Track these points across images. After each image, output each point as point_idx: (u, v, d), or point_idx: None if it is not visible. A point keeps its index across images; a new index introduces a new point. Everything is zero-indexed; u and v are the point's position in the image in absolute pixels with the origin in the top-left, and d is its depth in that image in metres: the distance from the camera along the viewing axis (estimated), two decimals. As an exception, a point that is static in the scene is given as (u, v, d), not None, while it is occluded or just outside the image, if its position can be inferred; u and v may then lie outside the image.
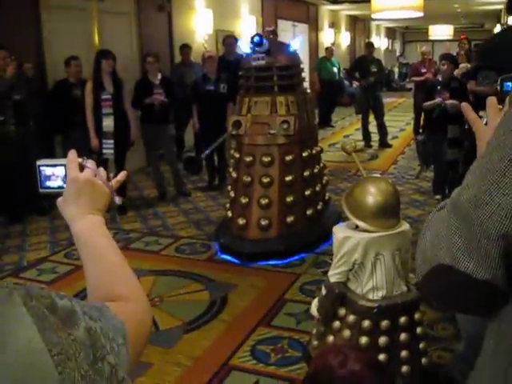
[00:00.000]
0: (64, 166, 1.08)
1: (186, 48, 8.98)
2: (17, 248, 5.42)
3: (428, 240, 0.92)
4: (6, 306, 0.62)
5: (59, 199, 1.06)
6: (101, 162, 6.12)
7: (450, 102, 5.95)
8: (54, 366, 0.61)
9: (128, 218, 6.25)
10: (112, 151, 6.12)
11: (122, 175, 1.16)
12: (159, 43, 8.93)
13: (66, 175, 1.07)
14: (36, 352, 0.61)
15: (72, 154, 1.06)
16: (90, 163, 1.07)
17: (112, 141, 6.09)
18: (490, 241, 0.81)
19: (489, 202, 0.81)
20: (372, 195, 2.63)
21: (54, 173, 1.10)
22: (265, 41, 4.86)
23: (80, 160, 1.06)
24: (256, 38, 4.82)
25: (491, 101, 1.05)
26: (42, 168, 1.11)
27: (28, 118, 6.10)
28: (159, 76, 6.81)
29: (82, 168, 1.06)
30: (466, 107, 1.11)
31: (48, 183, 1.11)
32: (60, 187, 1.09)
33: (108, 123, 6.08)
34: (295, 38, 5.63)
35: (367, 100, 10.11)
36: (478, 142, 1.05)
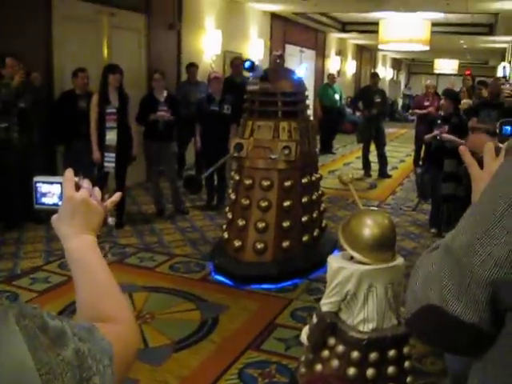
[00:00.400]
0: (60, 183, 1.09)
1: (192, 67, 9.06)
2: (11, 255, 5.42)
3: (419, 280, 0.96)
4: (1, 324, 0.65)
5: (54, 216, 1.08)
6: (102, 175, 6.16)
7: (447, 136, 6.01)
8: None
9: (125, 232, 6.26)
10: (113, 165, 6.15)
11: (116, 195, 1.18)
12: (167, 61, 9.03)
13: (61, 193, 1.08)
14: (25, 370, 0.63)
15: (69, 172, 1.08)
16: (86, 183, 1.09)
17: (114, 154, 6.12)
18: (479, 286, 0.85)
19: (480, 250, 0.84)
20: (369, 228, 2.66)
21: (50, 190, 1.11)
22: (258, 67, 4.93)
23: (76, 179, 1.08)
24: (247, 64, 4.90)
25: (488, 146, 1.08)
26: (38, 184, 1.12)
27: (32, 126, 6.14)
28: (165, 93, 6.88)
29: (77, 187, 1.07)
30: (463, 150, 1.13)
31: (43, 200, 1.12)
32: (55, 204, 1.10)
33: (111, 137, 6.12)
34: (300, 66, 5.71)
35: (369, 130, 10.18)
36: (473, 185, 1.08)
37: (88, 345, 0.75)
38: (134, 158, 6.55)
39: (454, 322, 0.88)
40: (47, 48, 7.02)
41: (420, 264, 0.99)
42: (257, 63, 5.10)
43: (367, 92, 10.74)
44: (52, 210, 1.10)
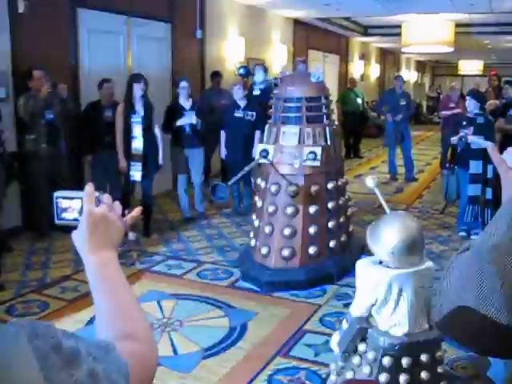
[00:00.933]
0: (81, 199, 1.08)
1: (217, 76, 9.11)
2: (41, 265, 5.49)
3: (451, 281, 0.94)
4: (13, 345, 0.65)
5: (74, 232, 1.07)
6: (128, 184, 6.21)
7: (473, 138, 5.94)
8: None
9: (152, 240, 6.30)
10: (140, 173, 6.19)
11: (136, 210, 1.17)
12: (191, 69, 9.08)
13: (82, 208, 1.08)
14: None
15: (89, 186, 1.07)
16: (106, 197, 1.08)
17: (140, 163, 6.16)
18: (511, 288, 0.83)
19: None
20: (398, 231, 2.63)
21: (70, 205, 1.11)
22: (258, 72, 4.95)
23: (96, 194, 1.07)
24: (241, 70, 4.95)
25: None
26: (58, 200, 1.12)
27: (59, 137, 6.22)
28: (190, 101, 6.93)
29: (98, 202, 1.07)
30: (491, 149, 1.12)
31: (64, 215, 1.12)
32: (75, 219, 1.10)
33: (137, 146, 6.16)
34: (316, 69, 5.72)
35: (395, 134, 10.11)
36: (503, 184, 1.06)
37: (103, 365, 0.75)
38: (161, 167, 6.57)
39: (489, 324, 0.87)
40: (73, 60, 7.11)
41: (451, 265, 0.97)
42: (255, 67, 5.14)
43: (392, 95, 10.67)
44: (73, 225, 1.10)
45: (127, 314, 1.00)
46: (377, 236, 2.68)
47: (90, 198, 1.06)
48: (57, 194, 1.13)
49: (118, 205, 1.11)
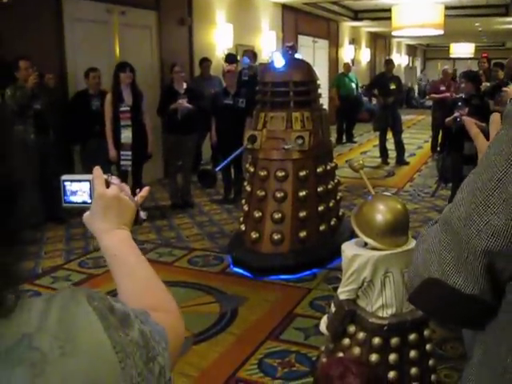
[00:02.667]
0: (89, 181, 1.09)
1: (205, 61, 9.08)
2: (33, 255, 5.48)
3: (420, 254, 0.95)
4: (74, 306, 0.68)
5: (85, 214, 1.09)
6: (119, 173, 6.20)
7: (466, 118, 5.94)
8: (118, 361, 0.67)
9: (143, 228, 6.29)
10: (130, 163, 6.20)
11: (145, 190, 1.20)
12: (180, 56, 9.03)
13: (91, 191, 1.09)
14: (103, 348, 0.67)
15: (97, 170, 1.09)
16: (115, 179, 1.10)
17: (130, 152, 6.18)
18: (476, 257, 0.84)
19: (477, 220, 0.83)
20: (381, 213, 2.64)
21: (79, 188, 1.11)
22: (246, 59, 4.96)
23: (105, 176, 1.09)
24: (230, 57, 4.96)
25: (494, 117, 1.05)
26: (66, 183, 1.12)
27: (48, 127, 6.19)
28: (184, 86, 6.95)
29: (107, 184, 1.08)
30: (468, 122, 1.13)
31: (72, 198, 1.12)
32: (84, 202, 1.10)
33: (126, 135, 6.16)
34: (275, 52, 5.70)
35: (386, 118, 10.11)
36: (479, 155, 1.05)
37: (148, 327, 0.78)
38: (150, 156, 6.59)
39: (456, 295, 0.87)
40: (59, 49, 7.07)
41: (421, 239, 0.98)
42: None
43: (382, 79, 10.66)
44: (81, 208, 1.11)
45: (151, 288, 1.02)
46: (361, 218, 2.69)
47: (101, 181, 1.08)
48: (64, 177, 1.13)
49: (127, 186, 1.13)
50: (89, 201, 1.09)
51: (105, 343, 0.67)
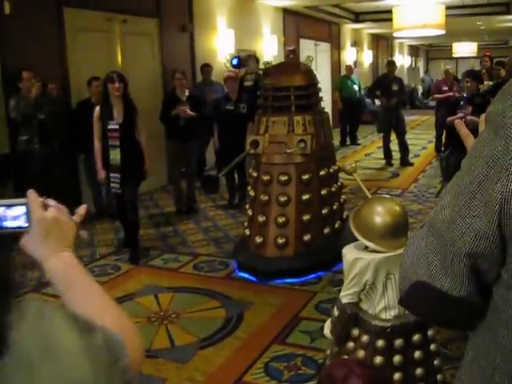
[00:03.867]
0: (24, 205, 1.03)
1: (207, 67, 9.10)
2: (39, 264, 5.50)
3: (409, 257, 0.96)
4: (48, 312, 0.72)
5: (24, 239, 1.04)
6: (108, 195, 6.01)
7: (470, 118, 5.95)
8: (89, 364, 0.71)
9: (148, 235, 6.33)
10: (118, 186, 5.44)
11: (83, 208, 1.14)
12: (181, 63, 9.06)
13: (27, 215, 1.03)
14: (77, 351, 0.70)
15: (32, 193, 1.04)
16: (51, 201, 1.07)
17: (118, 175, 5.39)
18: (461, 260, 0.85)
19: (460, 223, 0.84)
20: (380, 216, 2.65)
21: (11, 213, 1.04)
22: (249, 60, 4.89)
23: (41, 199, 1.04)
24: (234, 61, 4.90)
25: (484, 117, 1.03)
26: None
27: (52, 137, 6.23)
28: (186, 93, 6.97)
29: (45, 206, 1.04)
30: (458, 123, 1.13)
31: (6, 223, 1.03)
32: (19, 227, 1.04)
33: (114, 156, 5.38)
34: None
35: (389, 119, 10.10)
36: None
37: (109, 335, 0.80)
38: (145, 177, 5.75)
39: (444, 298, 0.89)
40: (61, 59, 7.11)
41: (410, 242, 0.99)
42: (245, 58, 5.09)
43: (384, 81, 10.66)
44: (14, 233, 1.04)
45: (104, 308, 1.00)
46: (360, 221, 2.71)
47: (37, 204, 1.04)
48: None
49: (63, 207, 1.09)
50: (25, 225, 1.03)
51: (78, 347, 0.70)
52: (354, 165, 3.33)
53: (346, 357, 2.84)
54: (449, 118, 6.38)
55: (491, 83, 8.81)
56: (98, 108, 5.48)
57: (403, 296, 0.97)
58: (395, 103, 10.06)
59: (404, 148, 10.22)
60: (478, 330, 0.93)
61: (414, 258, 0.94)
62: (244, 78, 8.06)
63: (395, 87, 10.16)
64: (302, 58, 5.60)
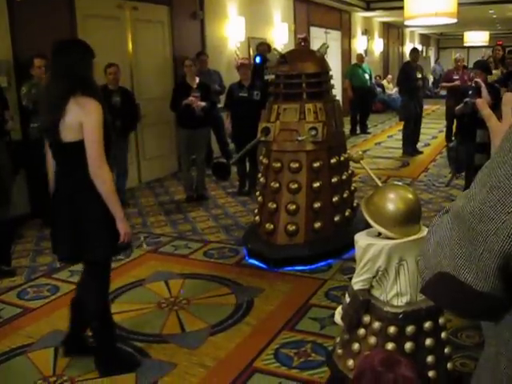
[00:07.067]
0: None
1: (201, 55, 8.73)
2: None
3: (432, 246, 0.92)
4: None
5: None
6: None
7: (478, 99, 5.90)
8: None
9: (159, 221, 6.35)
10: None
11: None
12: (192, 50, 9.04)
13: None
14: None
15: None
16: None
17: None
18: (492, 256, 0.81)
19: (494, 218, 0.80)
20: (393, 203, 2.65)
21: None
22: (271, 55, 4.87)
23: None
24: (257, 59, 4.88)
25: (507, 97, 1.00)
26: None
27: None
28: (197, 80, 6.95)
29: None
30: (480, 103, 1.07)
31: None
32: None
33: None
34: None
35: (414, 106, 9.96)
36: (491, 138, 1.01)
37: None
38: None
39: (468, 291, 0.86)
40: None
41: (432, 229, 0.95)
42: (269, 55, 5.05)
43: (408, 68, 10.45)
44: None
45: None
46: (373, 208, 2.70)
47: None
48: None
49: None
50: None
51: None
52: (360, 152, 3.32)
53: (357, 345, 2.84)
54: (456, 108, 6.35)
55: (499, 73, 8.75)
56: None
57: (425, 286, 0.94)
58: (421, 86, 9.89)
59: (417, 136, 10.17)
60: (501, 324, 0.91)
61: (438, 248, 0.90)
62: (264, 73, 8.01)
63: (419, 75, 10.01)
64: (314, 45, 5.57)
